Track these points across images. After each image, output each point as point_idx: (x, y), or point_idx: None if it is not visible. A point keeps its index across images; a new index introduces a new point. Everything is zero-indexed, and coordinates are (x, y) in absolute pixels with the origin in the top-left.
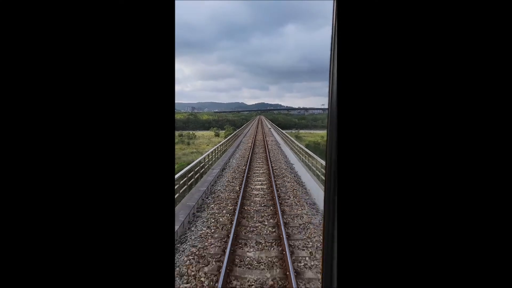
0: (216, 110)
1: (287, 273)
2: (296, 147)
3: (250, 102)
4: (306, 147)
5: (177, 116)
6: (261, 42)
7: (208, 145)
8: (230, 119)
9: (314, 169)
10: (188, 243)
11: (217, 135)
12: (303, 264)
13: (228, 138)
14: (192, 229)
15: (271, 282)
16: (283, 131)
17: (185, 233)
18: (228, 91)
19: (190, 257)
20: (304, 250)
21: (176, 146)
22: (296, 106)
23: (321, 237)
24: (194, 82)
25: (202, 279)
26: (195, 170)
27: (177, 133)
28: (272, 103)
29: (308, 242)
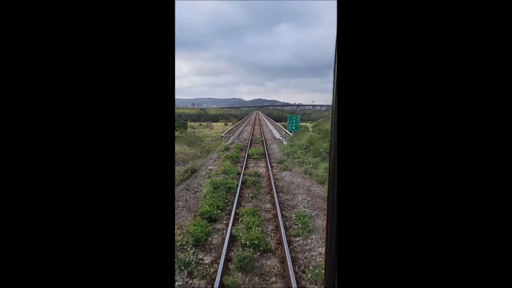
0: (215, 106)
1: (261, 122)
2: (274, 123)
3: (248, 97)
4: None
5: (190, 111)
6: (255, 41)
7: (223, 130)
8: (233, 113)
9: (274, 126)
10: (245, 129)
11: (226, 124)
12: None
13: (237, 123)
14: (241, 129)
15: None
16: (273, 122)
17: (242, 131)
18: (226, 86)
19: (246, 123)
20: (265, 121)
21: (204, 130)
22: (292, 102)
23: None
24: (191, 78)
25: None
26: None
27: (197, 123)
28: (269, 99)
29: (265, 122)
